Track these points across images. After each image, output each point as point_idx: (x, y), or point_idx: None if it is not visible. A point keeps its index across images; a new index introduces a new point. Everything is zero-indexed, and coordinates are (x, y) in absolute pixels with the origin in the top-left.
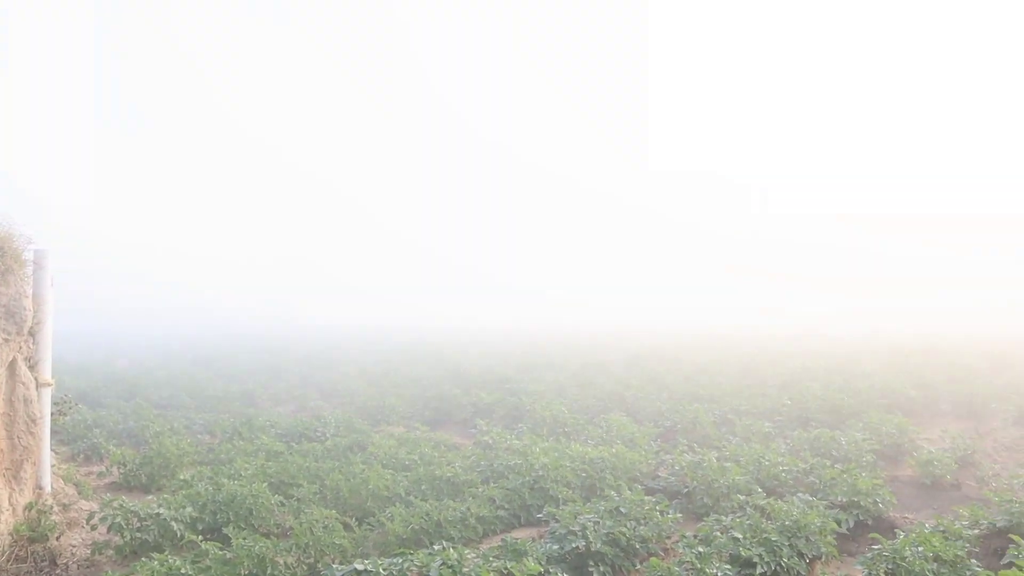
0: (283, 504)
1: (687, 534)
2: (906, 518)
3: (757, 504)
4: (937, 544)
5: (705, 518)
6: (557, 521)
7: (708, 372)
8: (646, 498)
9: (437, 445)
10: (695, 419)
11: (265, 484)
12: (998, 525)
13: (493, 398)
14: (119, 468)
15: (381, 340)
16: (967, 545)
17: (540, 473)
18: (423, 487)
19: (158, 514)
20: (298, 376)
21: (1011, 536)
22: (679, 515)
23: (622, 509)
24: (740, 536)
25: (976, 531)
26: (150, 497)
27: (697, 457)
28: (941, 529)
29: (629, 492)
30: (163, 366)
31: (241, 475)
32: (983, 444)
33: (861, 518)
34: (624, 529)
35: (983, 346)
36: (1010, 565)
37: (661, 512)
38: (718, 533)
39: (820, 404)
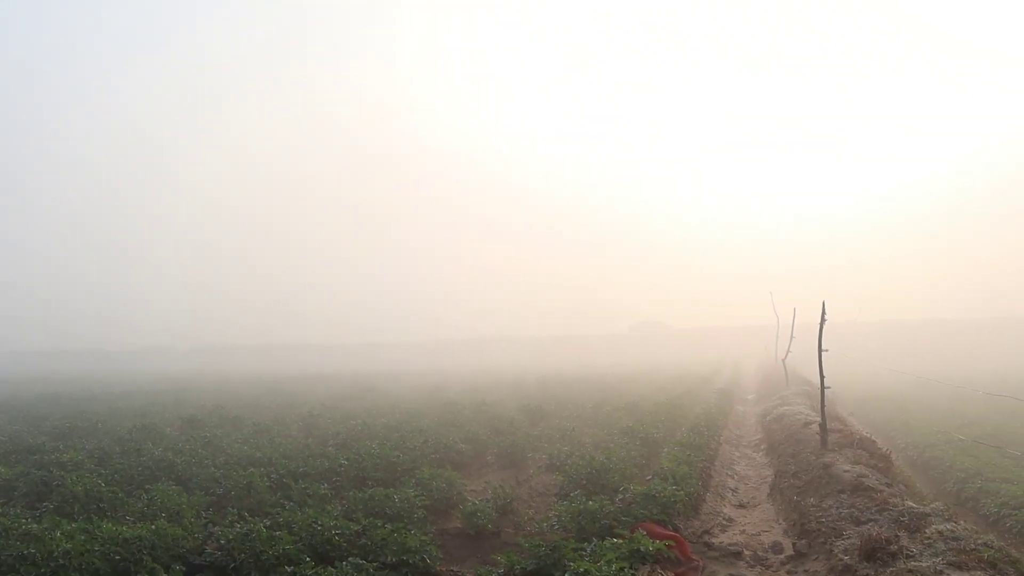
0: None
1: None
2: (452, 571)
3: (305, 575)
4: None
5: None
6: None
7: (269, 432)
8: None
9: None
10: (249, 484)
11: None
12: (528, 569)
13: (15, 472)
14: None
15: None
16: None
17: (61, 562)
18: None
19: None
20: None
21: None
22: None
23: None
24: None
25: None
26: None
27: (247, 527)
28: None
29: (166, 575)
30: None
31: None
32: (521, 491)
33: None
34: None
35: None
36: None
37: None
38: None
39: (377, 463)
